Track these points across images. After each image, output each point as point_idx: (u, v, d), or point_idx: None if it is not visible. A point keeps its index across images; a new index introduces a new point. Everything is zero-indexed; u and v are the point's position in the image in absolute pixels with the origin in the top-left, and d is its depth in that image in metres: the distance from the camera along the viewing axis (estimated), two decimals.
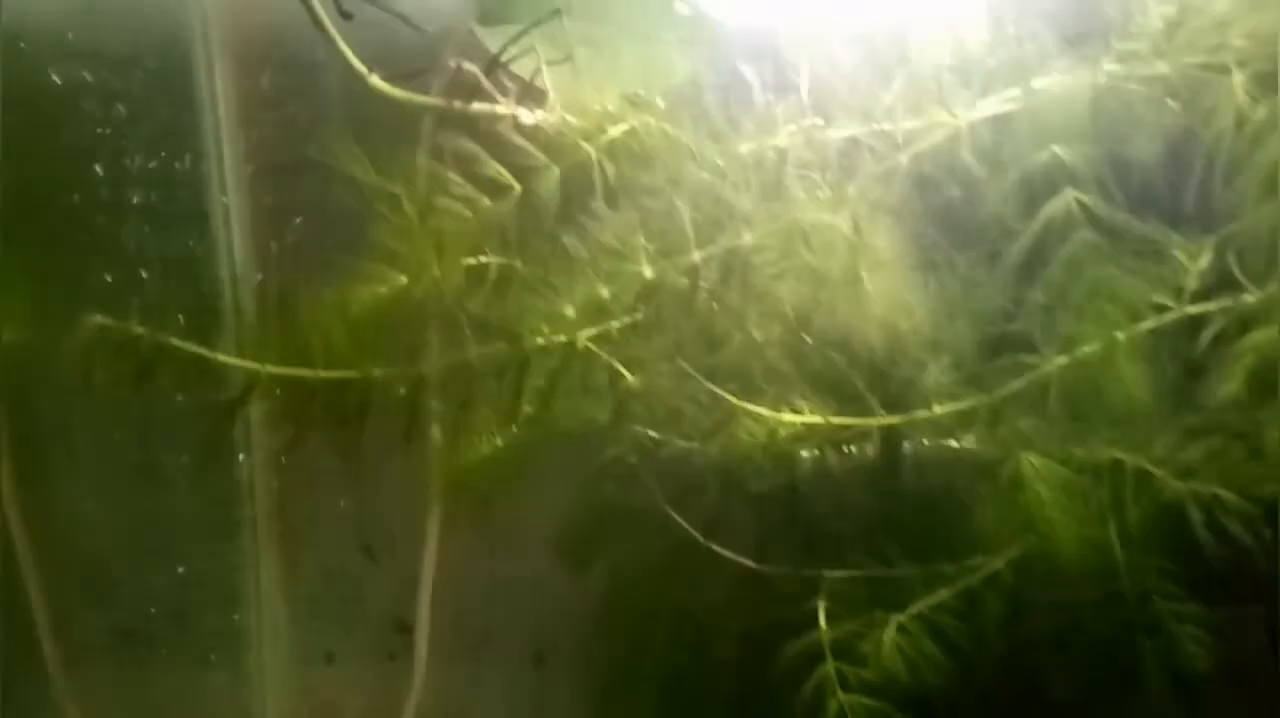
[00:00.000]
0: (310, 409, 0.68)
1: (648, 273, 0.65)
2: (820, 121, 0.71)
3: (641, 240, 0.65)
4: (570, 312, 0.65)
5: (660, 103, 0.73)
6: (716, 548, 0.89)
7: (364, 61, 0.77)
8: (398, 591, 1.07)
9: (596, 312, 0.66)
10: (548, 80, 0.75)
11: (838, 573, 0.83)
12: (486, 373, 0.67)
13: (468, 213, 0.69)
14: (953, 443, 0.76)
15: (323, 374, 0.67)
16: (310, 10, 0.76)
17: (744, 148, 0.72)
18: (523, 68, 0.76)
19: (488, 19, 0.80)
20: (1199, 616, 0.72)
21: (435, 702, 1.03)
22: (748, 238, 0.64)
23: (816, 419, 0.72)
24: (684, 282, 0.65)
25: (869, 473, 0.80)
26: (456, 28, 0.83)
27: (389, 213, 0.68)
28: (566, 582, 0.98)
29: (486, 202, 0.69)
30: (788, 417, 0.73)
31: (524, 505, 0.98)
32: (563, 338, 0.67)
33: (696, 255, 0.64)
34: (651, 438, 0.81)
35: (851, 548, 0.83)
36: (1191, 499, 0.64)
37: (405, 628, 1.08)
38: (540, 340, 0.66)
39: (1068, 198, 0.59)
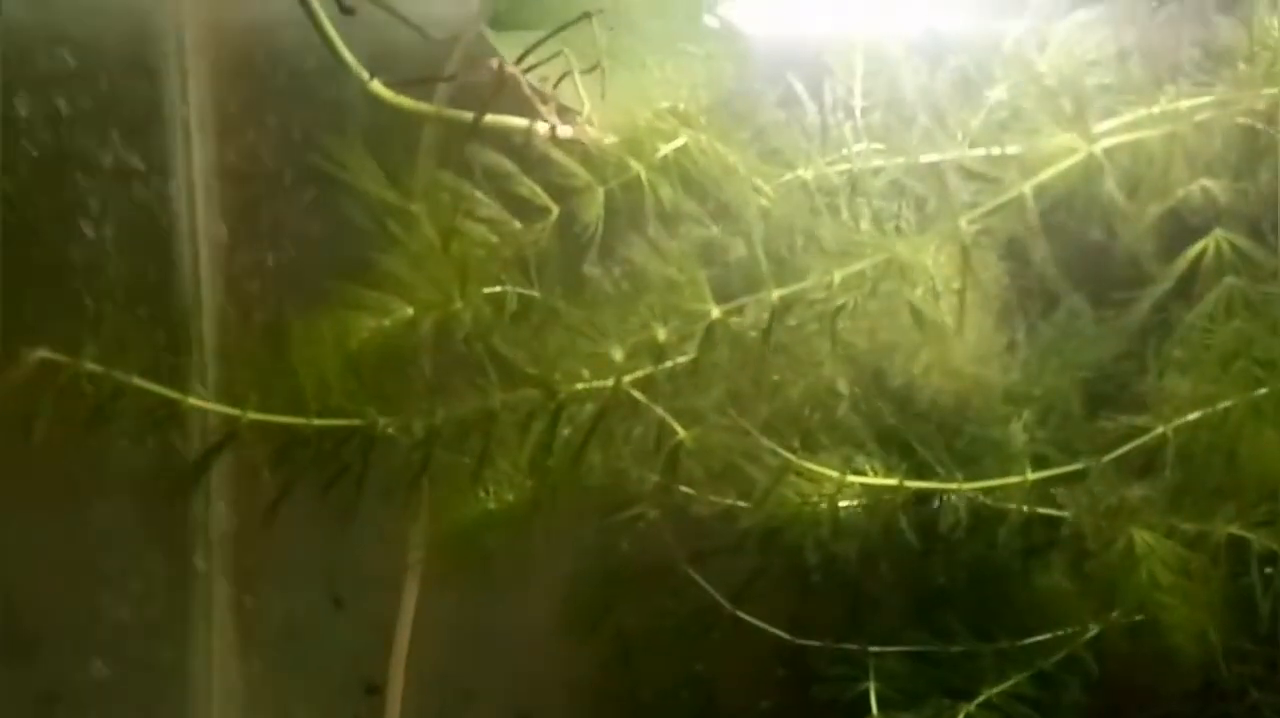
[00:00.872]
0: (300, 462, 0.57)
1: (715, 313, 0.55)
2: (884, 145, 0.63)
3: (704, 275, 0.55)
4: (618, 355, 0.55)
5: (703, 119, 0.64)
6: (743, 616, 0.80)
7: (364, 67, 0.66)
8: (368, 646, 0.97)
9: (649, 356, 0.56)
10: (581, 91, 0.65)
11: (887, 649, 0.74)
12: (511, 422, 0.57)
13: (494, 237, 0.59)
14: (1030, 509, 0.67)
15: (317, 423, 0.56)
16: (305, 5, 0.66)
17: (808, 172, 0.63)
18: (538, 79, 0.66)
19: (500, 24, 0.71)
20: None
21: None
22: (836, 275, 0.55)
23: (889, 482, 0.63)
24: (754, 323, 0.56)
25: (935, 539, 0.71)
26: (465, 32, 0.74)
27: (403, 235, 0.58)
28: (561, 640, 0.88)
29: (517, 225, 0.60)
30: (853, 478, 0.64)
31: (520, 556, 0.90)
32: (603, 383, 0.57)
33: (775, 294, 0.55)
34: (680, 492, 0.72)
35: (909, 623, 0.74)
36: None
37: (375, 689, 0.98)
38: (579, 386, 0.56)
39: (1216, 238, 0.50)
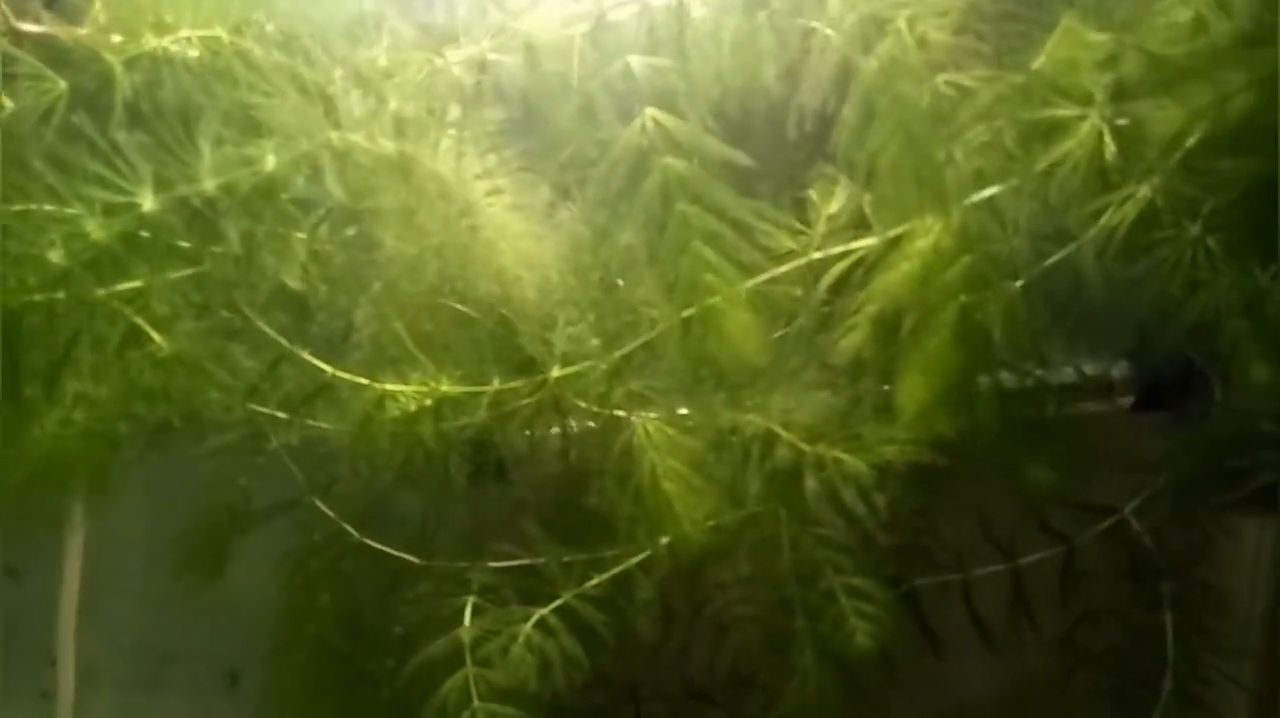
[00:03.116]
0: None
1: (147, 204, 0.52)
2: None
3: (147, 168, 0.51)
4: (55, 257, 0.51)
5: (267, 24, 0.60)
6: (372, 543, 0.78)
7: None
8: (50, 617, 0.91)
9: (93, 255, 0.52)
10: None
11: (492, 565, 0.73)
12: None
13: None
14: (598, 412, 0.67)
15: None
16: None
17: (340, 71, 0.60)
18: None
19: None
20: (866, 590, 0.66)
21: None
22: (270, 161, 0.52)
23: (422, 388, 0.62)
24: (190, 214, 0.52)
25: (533, 449, 0.70)
26: None
27: None
28: (255, 590, 0.84)
29: None
30: (390, 387, 0.62)
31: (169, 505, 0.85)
32: (62, 293, 0.53)
33: (210, 184, 0.51)
34: (277, 418, 0.69)
35: (515, 534, 0.73)
36: (811, 465, 0.57)
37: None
38: (28, 297, 0.52)
39: (645, 117, 0.49)
